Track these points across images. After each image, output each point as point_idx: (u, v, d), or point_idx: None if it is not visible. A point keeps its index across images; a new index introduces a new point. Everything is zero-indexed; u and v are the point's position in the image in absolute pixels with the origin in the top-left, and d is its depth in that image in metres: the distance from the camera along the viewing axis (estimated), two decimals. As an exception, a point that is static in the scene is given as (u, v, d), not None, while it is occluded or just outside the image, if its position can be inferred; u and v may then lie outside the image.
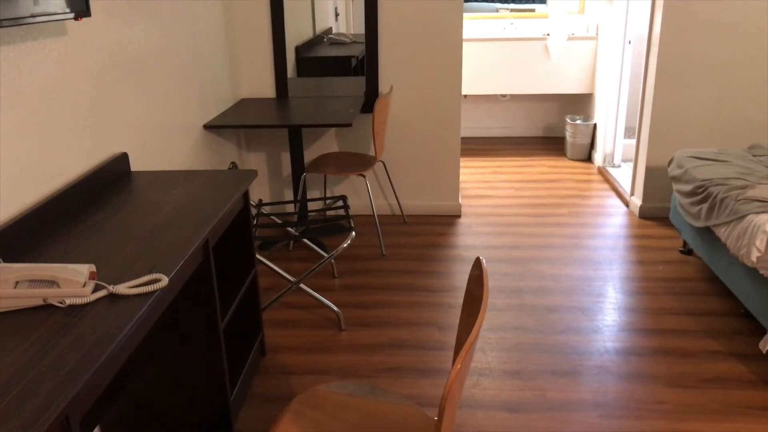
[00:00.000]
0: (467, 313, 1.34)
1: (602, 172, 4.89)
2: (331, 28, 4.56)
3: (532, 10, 5.99)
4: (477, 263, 1.35)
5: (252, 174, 2.34)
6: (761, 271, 2.42)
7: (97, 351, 1.23)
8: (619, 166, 4.91)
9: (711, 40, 3.66)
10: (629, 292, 3.11)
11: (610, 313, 2.91)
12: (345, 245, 2.70)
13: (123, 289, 1.43)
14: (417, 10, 3.78)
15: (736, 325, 2.79)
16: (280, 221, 3.07)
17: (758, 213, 2.51)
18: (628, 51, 4.72)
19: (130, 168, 2.39)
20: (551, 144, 5.70)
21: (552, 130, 5.93)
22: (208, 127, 3.24)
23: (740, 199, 2.66)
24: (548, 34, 5.33)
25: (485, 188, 4.65)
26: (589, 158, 5.26)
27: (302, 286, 2.83)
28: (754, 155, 3.23)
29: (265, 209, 4.08)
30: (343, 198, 3.08)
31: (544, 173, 4.94)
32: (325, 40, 4.52)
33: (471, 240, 3.75)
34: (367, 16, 3.85)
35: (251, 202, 3.12)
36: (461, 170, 4.95)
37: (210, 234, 1.87)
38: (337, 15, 4.60)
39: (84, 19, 2.08)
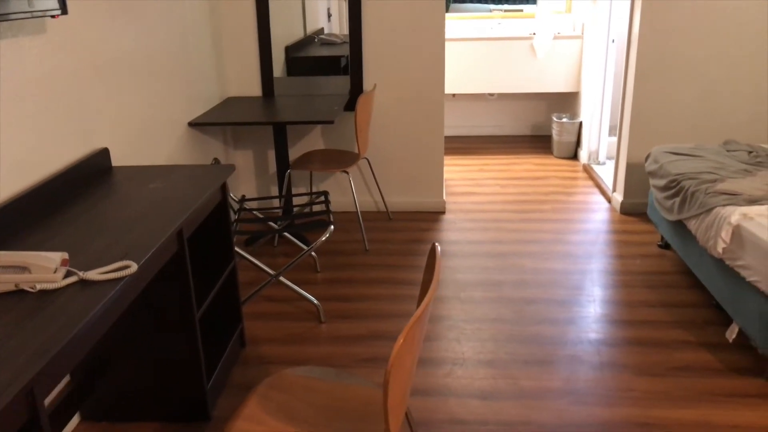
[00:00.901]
0: (421, 295, 1.40)
1: (587, 170, 4.95)
2: (322, 29, 4.63)
3: (521, 10, 6.05)
4: (432, 251, 1.41)
5: (229, 168, 2.40)
6: (727, 262, 2.48)
7: (64, 331, 1.29)
8: (603, 164, 4.97)
9: (689, 38, 3.72)
10: (607, 285, 3.16)
11: (586, 306, 2.97)
12: (323, 239, 2.75)
13: (93, 275, 1.49)
14: (400, 10, 3.84)
15: (707, 316, 2.85)
16: (262, 216, 3.12)
17: (725, 206, 2.57)
18: (612, 49, 4.79)
19: (111, 163, 2.45)
20: (538, 142, 5.77)
21: (539, 128, 6.00)
22: (193, 124, 3.31)
23: (709, 193, 2.72)
24: (534, 34, 5.40)
25: (471, 185, 4.71)
26: (575, 156, 5.33)
27: (282, 278, 2.88)
28: (728, 150, 3.30)
29: (250, 205, 4.14)
30: (325, 193, 3.14)
31: (530, 171, 5.00)
32: (316, 40, 4.59)
33: (454, 235, 3.81)
34: (351, 16, 3.91)
35: (234, 198, 3.18)
36: (448, 169, 5.02)
37: (184, 224, 1.93)
38: (329, 16, 4.66)
39: (64, 18, 2.14)
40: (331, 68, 4.39)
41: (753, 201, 2.55)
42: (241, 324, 2.64)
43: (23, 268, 1.45)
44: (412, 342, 1.18)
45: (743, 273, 2.37)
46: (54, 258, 1.48)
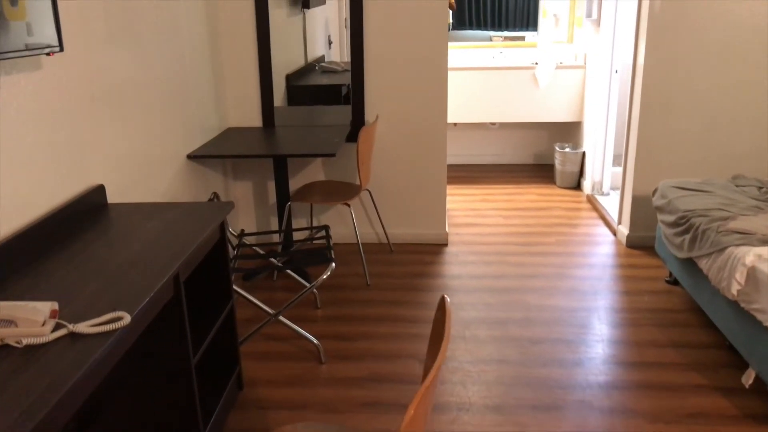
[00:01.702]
0: (430, 357, 1.32)
1: (591, 200, 4.89)
2: (323, 56, 4.60)
3: (522, 38, 6.04)
4: (441, 304, 1.33)
5: (228, 206, 2.33)
6: (742, 305, 2.41)
7: (51, 392, 1.21)
8: (607, 194, 4.91)
9: (695, 69, 3.69)
10: (614, 323, 3.08)
11: (594, 346, 2.88)
12: (324, 277, 2.68)
13: (83, 327, 1.41)
14: (403, 40, 3.81)
15: (720, 358, 2.76)
16: (262, 252, 3.05)
17: (738, 245, 2.50)
18: (615, 79, 4.76)
19: (107, 200, 2.38)
20: (541, 172, 5.72)
21: (542, 157, 5.95)
22: (192, 157, 3.24)
23: (721, 231, 2.65)
24: (537, 63, 5.37)
25: (474, 216, 4.64)
26: (578, 186, 5.27)
27: (281, 318, 2.80)
28: (737, 186, 3.24)
29: (250, 239, 4.06)
30: (326, 228, 3.07)
31: (533, 201, 4.94)
32: (316, 68, 4.56)
33: (457, 269, 3.73)
34: (352, 45, 3.87)
35: (233, 233, 3.11)
36: (450, 198, 4.96)
37: (181, 268, 1.85)
38: (330, 43, 4.64)
39: (60, 54, 2.08)
40: (333, 97, 4.35)
41: (767, 242, 2.48)
42: (239, 366, 2.55)
43: (9, 322, 1.37)
44: (423, 411, 1.10)
45: (759, 317, 2.29)
46: (42, 309, 1.41)
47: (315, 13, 4.51)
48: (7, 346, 1.36)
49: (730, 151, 3.79)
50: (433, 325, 1.38)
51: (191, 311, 2.37)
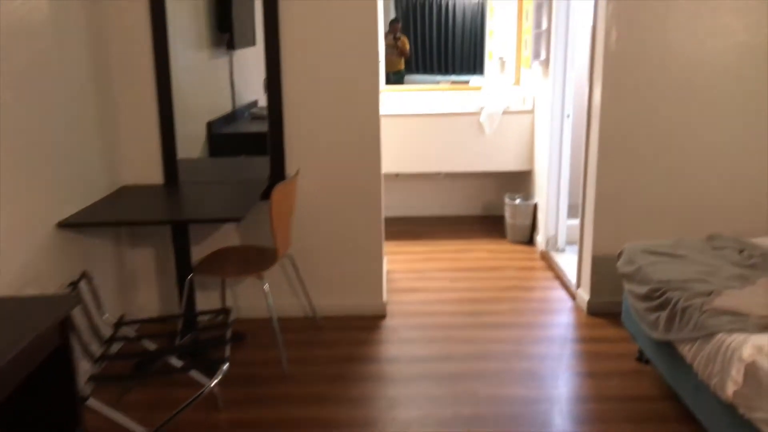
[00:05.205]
0: None
1: (546, 258, 4.42)
2: (256, 101, 4.04)
3: (467, 82, 5.66)
4: None
5: (70, 300, 1.73)
6: (740, 410, 1.90)
7: None
8: (563, 251, 4.44)
9: (657, 110, 3.27)
10: (579, 419, 2.55)
11: (558, 452, 2.34)
12: (212, 385, 2.07)
13: None
14: (329, 83, 3.31)
15: (711, 467, 2.24)
16: (154, 344, 2.44)
17: (731, 331, 2.02)
18: (568, 124, 4.35)
19: None
20: (491, 224, 5.23)
21: (491, 208, 5.48)
22: (64, 225, 2.63)
23: (706, 311, 2.17)
24: (482, 108, 4.95)
25: (417, 279, 4.10)
26: (531, 241, 4.80)
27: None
28: (714, 248, 2.79)
29: (138, 326, 3.42)
30: (224, 312, 2.47)
31: (483, 260, 4.44)
32: (246, 114, 4.02)
33: (396, 350, 3.17)
34: (269, 89, 3.36)
35: (110, 320, 2.49)
36: (391, 257, 4.41)
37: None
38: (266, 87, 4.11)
39: None
40: (262, 147, 3.79)
41: (765, 327, 2.00)
42: None
43: None
44: None
45: (765, 429, 1.79)
46: None
47: (247, 55, 3.97)
48: None
49: (701, 203, 3.36)
50: None
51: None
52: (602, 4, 3.21)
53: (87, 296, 2.47)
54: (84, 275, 2.46)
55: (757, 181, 3.34)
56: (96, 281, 2.59)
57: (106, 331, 2.42)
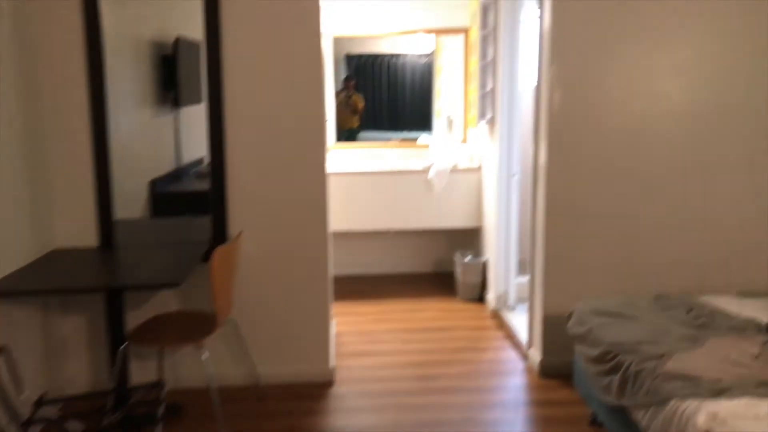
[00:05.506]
0: None
1: (497, 316, 4.36)
2: (202, 159, 3.92)
3: (414, 140, 5.68)
4: None
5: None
6: (700, 481, 1.84)
7: None
8: (514, 309, 4.40)
9: (600, 170, 3.30)
10: (536, 490, 2.45)
11: None
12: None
13: None
14: (274, 139, 3.24)
15: None
16: (80, 424, 2.24)
17: (683, 397, 1.97)
18: (515, 183, 4.37)
19: None
20: (442, 281, 5.16)
21: (442, 264, 5.42)
22: (-21, 294, 2.44)
23: (659, 375, 2.12)
24: (431, 166, 4.95)
25: (366, 342, 3.97)
26: (481, 299, 4.75)
27: None
28: (663, 308, 2.78)
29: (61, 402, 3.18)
30: (158, 385, 2.30)
31: (434, 319, 4.35)
32: (191, 172, 3.89)
33: (343, 419, 3.02)
34: (211, 146, 3.27)
35: (30, 399, 2.28)
36: (340, 319, 4.27)
37: None
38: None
39: None
40: (206, 206, 3.66)
41: (719, 392, 1.96)
42: None
43: None
44: None
45: (725, 502, 1.73)
46: None
47: (193, 112, 3.87)
48: None
49: (648, 260, 3.37)
50: None
51: None
52: (545, 66, 3.27)
53: (4, 373, 2.27)
54: (2, 350, 2.26)
55: (704, 237, 3.37)
56: (18, 353, 2.39)
57: (26, 412, 2.21)
